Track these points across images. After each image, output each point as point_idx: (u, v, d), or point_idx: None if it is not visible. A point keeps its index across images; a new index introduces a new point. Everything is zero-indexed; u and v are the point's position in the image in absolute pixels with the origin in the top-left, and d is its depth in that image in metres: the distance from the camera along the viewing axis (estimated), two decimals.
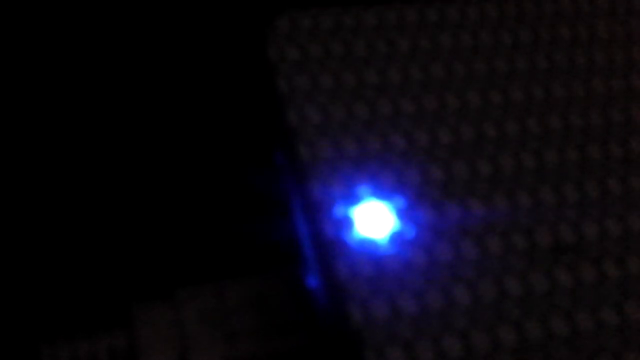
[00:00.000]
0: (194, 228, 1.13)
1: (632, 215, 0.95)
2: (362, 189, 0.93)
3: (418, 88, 1.00)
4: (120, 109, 1.21)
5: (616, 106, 1.03)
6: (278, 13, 1.03)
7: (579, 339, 0.87)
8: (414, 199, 0.93)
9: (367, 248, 0.89)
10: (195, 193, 1.15)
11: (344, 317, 0.86)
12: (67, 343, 0.97)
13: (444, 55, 1.03)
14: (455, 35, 1.05)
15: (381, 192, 0.93)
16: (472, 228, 0.91)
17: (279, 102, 0.98)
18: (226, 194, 1.15)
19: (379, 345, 0.84)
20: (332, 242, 0.89)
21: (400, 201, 0.92)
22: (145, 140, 1.19)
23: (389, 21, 1.05)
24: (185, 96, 1.22)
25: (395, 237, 0.90)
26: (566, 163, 0.97)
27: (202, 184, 1.16)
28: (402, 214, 0.92)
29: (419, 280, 0.88)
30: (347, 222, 0.90)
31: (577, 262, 0.91)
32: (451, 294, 0.87)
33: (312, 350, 0.98)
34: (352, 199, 0.92)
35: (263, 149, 1.11)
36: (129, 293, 1.05)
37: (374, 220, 0.91)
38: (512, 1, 1.08)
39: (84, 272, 1.09)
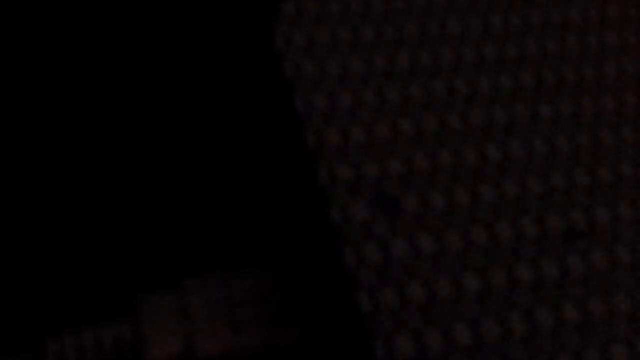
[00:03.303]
0: (200, 218, 1.12)
1: None
2: (370, 175, 0.92)
3: (426, 73, 0.99)
4: (124, 99, 1.20)
5: (628, 90, 1.02)
6: None
7: (591, 326, 0.86)
8: (423, 185, 0.92)
9: (376, 235, 0.88)
10: (200, 182, 1.15)
11: (352, 305, 0.85)
12: (72, 334, 0.97)
13: (453, 40, 1.02)
14: (464, 20, 1.04)
15: (390, 178, 0.92)
16: (482, 214, 0.90)
17: (286, 88, 0.97)
18: (232, 182, 1.14)
19: (387, 333, 0.83)
20: (339, 230, 0.88)
21: (410, 187, 0.91)
22: (149, 129, 1.18)
23: (397, 6, 1.04)
24: (190, 84, 1.21)
25: (404, 224, 0.89)
26: (578, 148, 0.96)
27: (207, 173, 1.15)
28: (411, 201, 0.91)
29: (428, 268, 0.87)
30: (355, 210, 0.89)
31: (588, 248, 0.90)
32: (461, 281, 0.86)
33: (319, 340, 0.97)
34: (360, 185, 0.91)
35: (269, 137, 1.10)
36: (134, 283, 1.04)
37: (382, 207, 0.90)
38: None
39: (88, 262, 1.09)
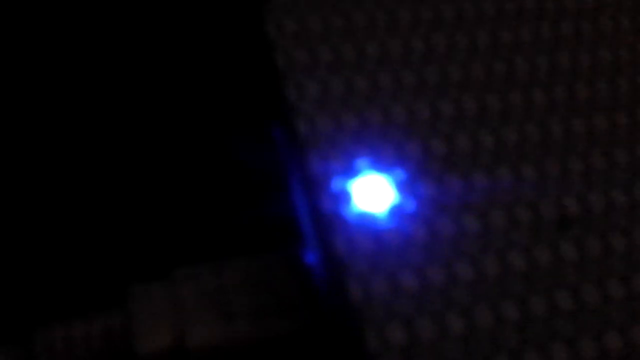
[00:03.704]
0: (191, 207, 1.11)
1: (638, 186, 0.93)
2: (362, 163, 0.91)
3: (419, 60, 0.98)
4: (114, 89, 1.20)
5: (623, 75, 1.01)
6: None
7: (585, 313, 0.85)
8: (415, 172, 0.91)
9: (367, 223, 0.87)
10: (191, 171, 1.14)
11: (343, 293, 0.84)
12: (62, 324, 0.96)
13: (446, 27, 1.01)
14: (457, 6, 1.03)
15: (381, 166, 0.91)
16: (474, 202, 0.89)
17: (277, 76, 0.97)
18: (223, 171, 1.14)
19: (379, 322, 0.82)
20: (330, 218, 0.87)
21: (401, 175, 0.90)
22: (139, 118, 1.17)
23: None
24: (181, 72, 1.21)
25: (396, 212, 0.88)
26: (571, 134, 0.95)
27: (199, 162, 1.14)
28: (402, 188, 0.90)
29: (420, 256, 0.86)
30: (346, 197, 0.88)
31: (582, 235, 0.89)
32: (453, 269, 0.85)
33: (312, 329, 0.96)
34: (352, 173, 0.90)
35: (261, 125, 1.10)
36: (125, 273, 1.03)
37: (373, 194, 0.89)
38: None
39: (77, 253, 1.08)
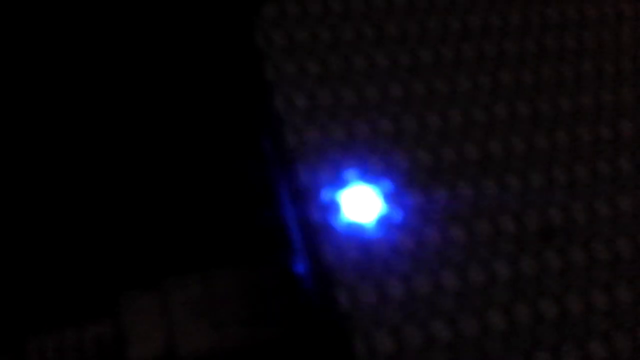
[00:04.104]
0: (181, 216, 1.12)
1: (621, 197, 0.94)
2: (350, 174, 0.92)
3: (406, 73, 1.00)
4: (106, 99, 1.20)
5: (606, 88, 1.02)
6: None
7: (569, 322, 0.86)
8: (402, 183, 0.92)
9: (355, 233, 0.88)
10: (181, 181, 1.15)
11: (331, 302, 0.85)
12: (53, 332, 0.96)
13: (432, 40, 1.03)
14: (443, 20, 1.04)
15: (369, 177, 0.92)
16: (460, 212, 0.91)
17: (266, 88, 0.97)
18: (212, 181, 1.14)
19: (366, 330, 0.83)
20: (319, 227, 0.88)
21: (388, 186, 0.92)
22: (130, 128, 1.18)
23: (377, 6, 1.04)
24: (171, 83, 1.21)
25: (383, 222, 0.89)
26: (555, 146, 0.96)
27: (188, 172, 1.15)
28: (389, 199, 0.91)
29: (407, 265, 0.87)
30: (334, 207, 0.89)
31: (566, 245, 0.90)
32: (439, 278, 0.86)
33: (300, 337, 0.97)
34: (340, 184, 0.91)
35: (250, 136, 1.10)
36: (116, 282, 1.04)
37: (361, 205, 0.90)
38: None
39: (69, 262, 1.09)
